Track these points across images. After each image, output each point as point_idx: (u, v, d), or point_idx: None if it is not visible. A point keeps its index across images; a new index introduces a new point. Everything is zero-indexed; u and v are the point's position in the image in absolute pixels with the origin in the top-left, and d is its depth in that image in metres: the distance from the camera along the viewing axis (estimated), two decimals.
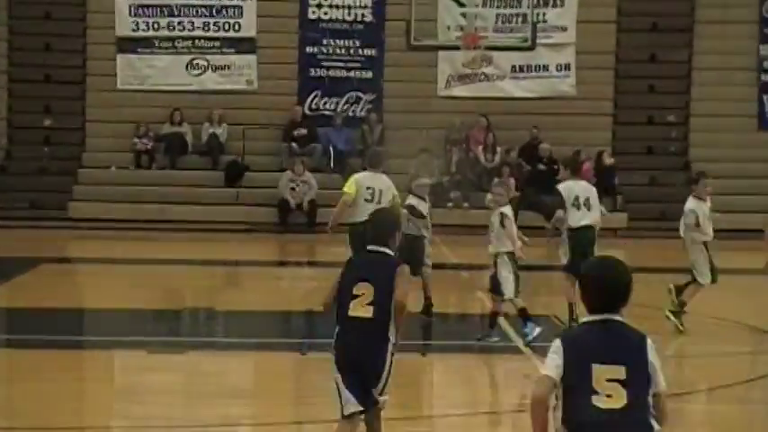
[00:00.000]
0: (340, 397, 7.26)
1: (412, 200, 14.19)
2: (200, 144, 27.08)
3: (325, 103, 27.72)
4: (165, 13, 27.55)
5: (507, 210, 12.75)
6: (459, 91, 27.62)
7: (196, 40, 27.63)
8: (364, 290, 7.17)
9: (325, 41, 27.68)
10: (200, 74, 27.66)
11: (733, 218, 24.95)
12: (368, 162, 14.74)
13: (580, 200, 13.61)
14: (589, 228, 13.58)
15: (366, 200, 13.56)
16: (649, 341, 5.34)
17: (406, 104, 27.51)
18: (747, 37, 27.61)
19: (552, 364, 5.31)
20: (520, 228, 21.53)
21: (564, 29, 27.52)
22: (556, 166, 25.73)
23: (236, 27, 27.67)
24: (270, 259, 21.98)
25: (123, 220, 24.97)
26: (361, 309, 7.17)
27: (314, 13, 27.71)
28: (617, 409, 5.17)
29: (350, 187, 13.96)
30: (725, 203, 25.48)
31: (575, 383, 5.26)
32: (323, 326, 14.67)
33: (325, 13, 27.71)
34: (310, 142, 26.90)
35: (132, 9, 27.52)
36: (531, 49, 23.20)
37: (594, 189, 14.03)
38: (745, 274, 18.73)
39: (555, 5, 27.43)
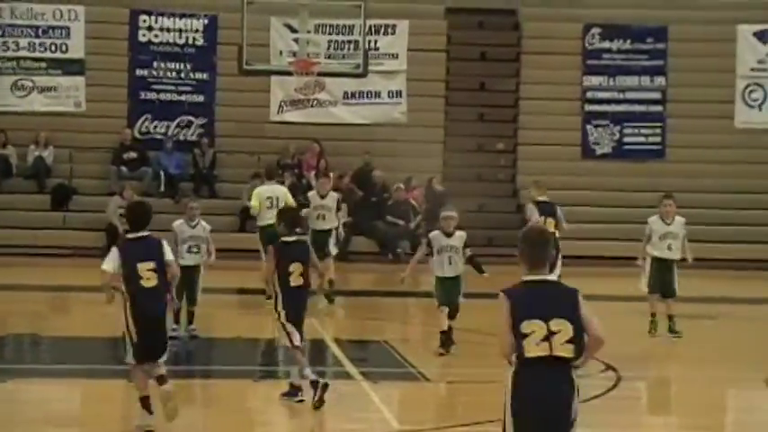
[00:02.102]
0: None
1: (432, 234, 13.93)
2: (26, 167, 26.44)
3: (155, 127, 27.41)
4: None
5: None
6: (292, 116, 27.65)
7: (21, 61, 27.01)
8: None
9: (155, 64, 27.39)
10: (25, 95, 27.05)
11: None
12: (265, 176, 19.01)
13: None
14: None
15: (268, 207, 17.68)
16: (164, 242, 10.03)
17: (238, 129, 27.40)
18: (571, 68, 28.35)
19: (112, 262, 9.79)
20: (352, 253, 21.76)
21: (395, 56, 27.83)
22: (386, 194, 25.96)
23: (64, 48, 27.15)
24: (97, 284, 21.50)
25: None
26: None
27: (144, 35, 27.41)
28: (153, 286, 9.68)
29: (254, 202, 18.21)
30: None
31: (128, 275, 9.75)
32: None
33: (156, 36, 27.43)
34: (140, 166, 26.56)
35: None
36: (363, 75, 23.36)
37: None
38: None
39: (386, 33, 27.71)
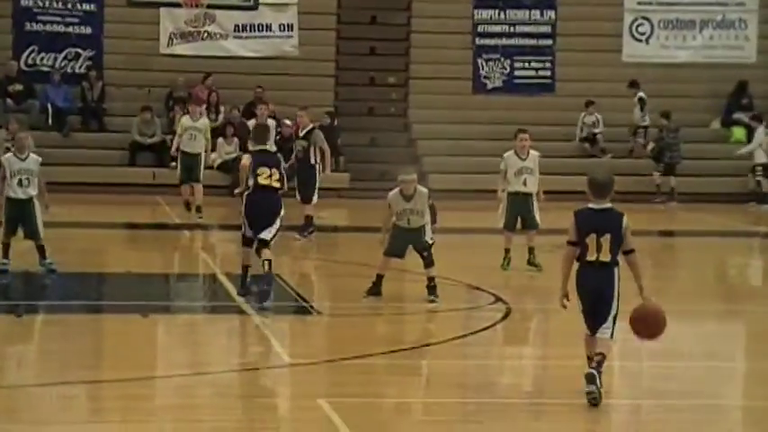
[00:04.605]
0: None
1: (392, 197, 13.15)
2: None
3: (42, 59, 26.88)
4: None
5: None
6: (182, 49, 27.33)
7: None
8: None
9: None
10: None
11: (449, 178, 25.79)
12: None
13: None
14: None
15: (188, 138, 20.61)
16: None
17: (127, 61, 27.01)
18: (462, 1, 28.37)
19: None
20: None
21: None
22: (278, 128, 25.84)
23: None
24: None
25: None
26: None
27: None
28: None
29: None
30: (442, 165, 26.33)
31: None
32: (38, 289, 14.37)
33: None
34: (27, 99, 26.07)
35: None
36: (253, 8, 23.19)
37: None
38: (460, 233, 19.34)
39: None
